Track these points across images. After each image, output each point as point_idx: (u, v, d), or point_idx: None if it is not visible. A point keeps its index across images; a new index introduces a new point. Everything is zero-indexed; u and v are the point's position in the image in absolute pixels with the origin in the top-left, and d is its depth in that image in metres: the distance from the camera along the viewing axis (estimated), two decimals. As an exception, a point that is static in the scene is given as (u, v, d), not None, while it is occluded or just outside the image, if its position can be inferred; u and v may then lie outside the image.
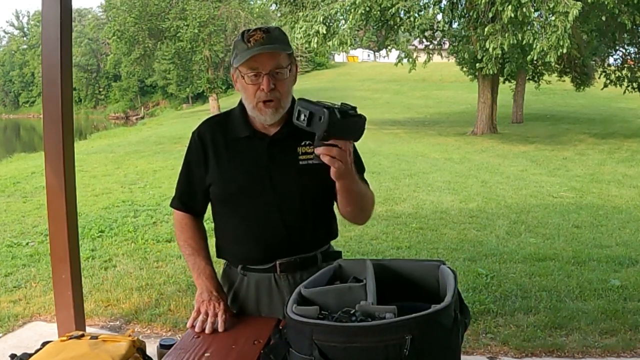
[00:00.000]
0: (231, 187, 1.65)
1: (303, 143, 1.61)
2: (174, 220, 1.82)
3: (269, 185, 1.61)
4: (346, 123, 1.29)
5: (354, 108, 1.33)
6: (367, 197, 1.63)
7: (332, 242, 1.79)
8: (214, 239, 1.77)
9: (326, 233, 1.74)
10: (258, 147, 1.63)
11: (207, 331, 1.54)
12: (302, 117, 1.29)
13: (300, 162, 1.61)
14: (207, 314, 1.59)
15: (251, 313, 1.69)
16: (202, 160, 1.68)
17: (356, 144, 1.71)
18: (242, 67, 1.55)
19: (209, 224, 1.77)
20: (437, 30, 16.73)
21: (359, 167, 1.70)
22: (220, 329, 1.56)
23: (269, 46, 1.52)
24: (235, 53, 1.57)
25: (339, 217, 1.72)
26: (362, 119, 1.35)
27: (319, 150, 1.31)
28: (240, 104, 1.67)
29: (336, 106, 1.29)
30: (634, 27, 14.12)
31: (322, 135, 1.28)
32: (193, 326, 1.57)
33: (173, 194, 1.80)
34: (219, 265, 1.80)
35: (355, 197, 1.56)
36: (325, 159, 1.32)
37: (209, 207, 1.77)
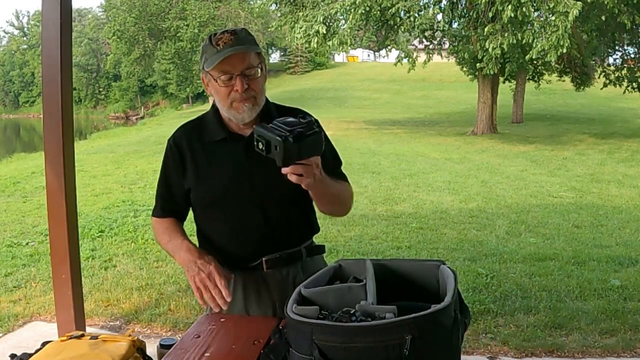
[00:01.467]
0: (211, 191, 1.65)
1: None
2: (152, 226, 1.79)
3: (249, 185, 1.62)
4: (303, 145, 1.27)
5: (310, 123, 1.30)
6: (343, 195, 1.64)
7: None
8: (197, 243, 1.76)
9: (308, 227, 1.76)
10: (235, 148, 1.63)
11: (222, 306, 1.48)
12: (260, 145, 1.29)
13: None
14: (205, 287, 1.50)
15: (239, 312, 1.69)
16: (180, 167, 1.67)
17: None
18: (213, 70, 1.55)
19: (190, 227, 1.75)
20: (437, 30, 16.71)
21: (335, 162, 1.71)
22: (227, 298, 1.48)
23: (239, 47, 1.53)
24: (204, 57, 1.57)
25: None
26: (317, 135, 1.31)
27: (285, 171, 1.31)
28: (213, 107, 1.67)
29: (293, 127, 1.27)
30: (634, 27, 14.12)
31: (281, 163, 1.28)
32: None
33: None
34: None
35: (331, 198, 1.58)
36: (293, 179, 1.32)
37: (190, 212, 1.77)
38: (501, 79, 18.80)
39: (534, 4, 11.66)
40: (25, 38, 64.06)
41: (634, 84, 18.27)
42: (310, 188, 1.40)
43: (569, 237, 5.77)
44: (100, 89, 57.67)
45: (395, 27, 14.95)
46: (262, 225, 1.64)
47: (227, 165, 1.63)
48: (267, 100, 1.67)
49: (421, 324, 1.07)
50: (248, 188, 1.62)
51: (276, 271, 1.67)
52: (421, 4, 14.22)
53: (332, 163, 1.66)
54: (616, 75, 18.65)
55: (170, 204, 1.74)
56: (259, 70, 1.58)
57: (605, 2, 11.31)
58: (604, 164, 11.59)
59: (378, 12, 13.51)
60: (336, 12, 13.40)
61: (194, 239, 1.74)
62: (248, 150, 1.60)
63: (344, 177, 1.70)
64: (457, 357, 1.17)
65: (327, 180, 1.46)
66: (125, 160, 11.67)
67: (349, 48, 14.36)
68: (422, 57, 17.57)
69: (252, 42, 1.58)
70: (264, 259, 1.66)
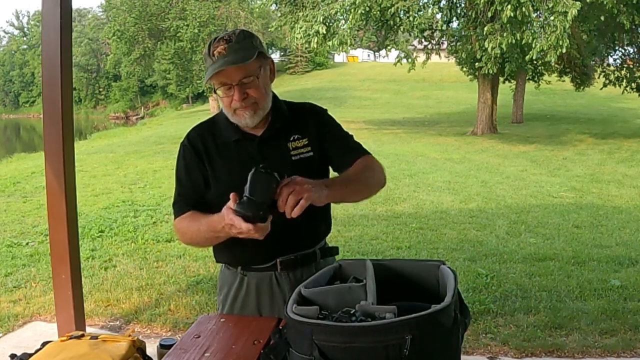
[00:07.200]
0: (227, 191, 1.61)
1: (292, 138, 1.63)
2: (176, 229, 1.70)
3: None
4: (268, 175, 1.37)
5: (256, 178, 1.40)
6: (363, 179, 1.62)
7: (332, 241, 1.79)
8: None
9: (323, 229, 1.76)
10: (249, 148, 1.63)
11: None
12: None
13: (293, 157, 1.62)
14: (238, 231, 1.42)
15: (252, 313, 1.69)
16: (199, 163, 1.66)
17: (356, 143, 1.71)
18: (212, 81, 1.56)
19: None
20: (436, 30, 16.71)
21: (347, 138, 1.73)
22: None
23: (231, 59, 1.50)
24: (206, 67, 1.57)
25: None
26: (265, 180, 1.40)
27: (285, 205, 1.38)
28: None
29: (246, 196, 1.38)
30: (633, 27, 14.11)
31: (272, 197, 1.37)
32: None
33: (172, 202, 1.71)
34: (216, 266, 1.78)
35: (350, 194, 1.59)
36: (291, 202, 1.37)
37: None
38: (501, 79, 18.79)
39: (533, 4, 11.65)
40: (25, 38, 64.01)
41: (633, 84, 18.28)
42: (316, 203, 1.42)
43: (569, 237, 5.77)
44: (100, 89, 57.61)
45: (395, 27, 14.94)
46: (277, 223, 1.62)
47: (241, 165, 1.60)
48: (276, 98, 1.66)
49: (421, 324, 1.07)
50: None
51: (290, 272, 1.67)
52: (420, 3, 14.21)
53: (344, 141, 1.69)
54: (616, 75, 18.65)
55: (195, 194, 1.66)
56: (257, 77, 1.55)
57: (605, 2, 11.29)
58: (604, 164, 11.59)
59: (378, 12, 13.50)
60: (336, 12, 13.39)
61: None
62: (261, 150, 1.61)
63: (360, 149, 1.70)
64: (457, 357, 1.17)
65: (329, 189, 1.48)
66: (125, 161, 11.67)
67: (349, 48, 14.35)
68: (422, 57, 17.56)
69: (247, 49, 1.53)
70: (278, 260, 1.66)
